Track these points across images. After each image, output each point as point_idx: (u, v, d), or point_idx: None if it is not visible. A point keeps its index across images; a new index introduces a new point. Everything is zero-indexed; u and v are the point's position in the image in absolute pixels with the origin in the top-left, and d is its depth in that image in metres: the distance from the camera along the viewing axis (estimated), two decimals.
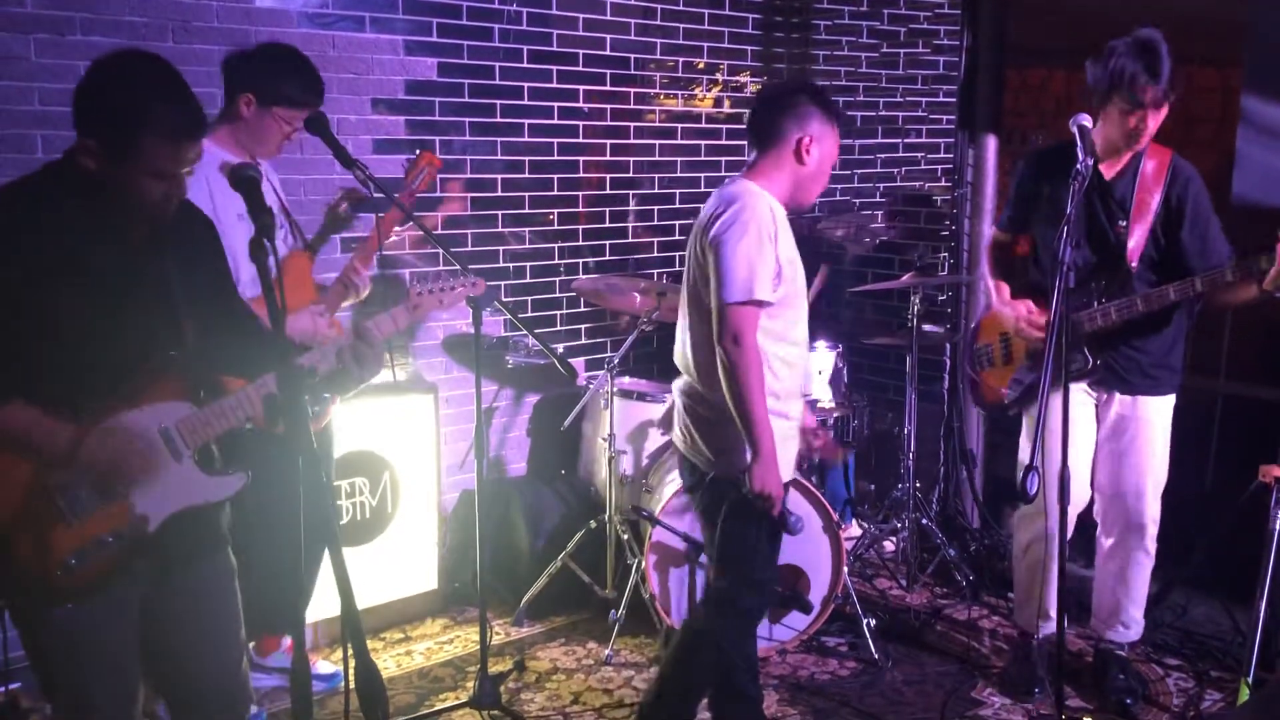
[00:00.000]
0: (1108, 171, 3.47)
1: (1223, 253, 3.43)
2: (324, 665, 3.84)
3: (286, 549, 3.22)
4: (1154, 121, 3.31)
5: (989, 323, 3.89)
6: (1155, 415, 3.57)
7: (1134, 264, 3.46)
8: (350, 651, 1.82)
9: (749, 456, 2.89)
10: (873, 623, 4.11)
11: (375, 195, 3.47)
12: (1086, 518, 3.74)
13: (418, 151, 3.77)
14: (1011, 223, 3.78)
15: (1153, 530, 3.61)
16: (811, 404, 4.26)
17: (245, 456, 2.43)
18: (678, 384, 3.17)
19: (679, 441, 3.16)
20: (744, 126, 3.12)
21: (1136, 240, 3.45)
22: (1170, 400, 3.61)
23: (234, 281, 2.58)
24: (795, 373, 3.05)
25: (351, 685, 1.80)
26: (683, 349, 3.12)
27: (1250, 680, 3.49)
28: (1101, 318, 3.44)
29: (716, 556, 3.11)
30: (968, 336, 3.99)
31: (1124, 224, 3.45)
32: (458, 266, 3.20)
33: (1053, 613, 3.75)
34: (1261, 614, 3.53)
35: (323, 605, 3.81)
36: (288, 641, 3.68)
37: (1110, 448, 3.61)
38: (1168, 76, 3.24)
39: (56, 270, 2.12)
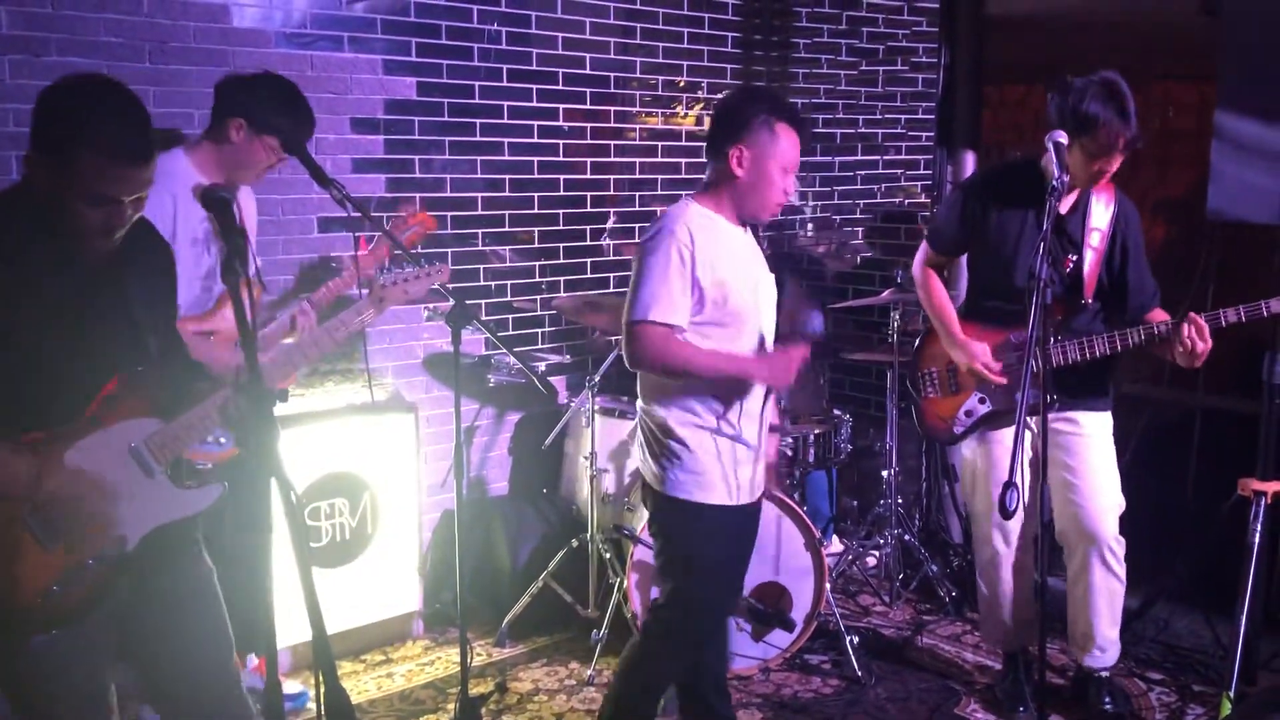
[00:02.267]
0: (1061, 206, 3.44)
1: (1152, 286, 3.54)
2: (289, 685, 3.83)
3: (255, 566, 3.19)
4: (1118, 163, 3.33)
5: (937, 348, 3.75)
6: (1097, 430, 3.56)
7: (1089, 299, 3.49)
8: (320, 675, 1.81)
9: (742, 382, 2.88)
10: (856, 640, 4.10)
11: (352, 214, 3.45)
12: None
13: (412, 210, 3.77)
14: (955, 245, 3.71)
15: (1119, 550, 3.56)
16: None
17: (219, 470, 2.43)
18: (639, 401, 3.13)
19: (637, 458, 3.12)
20: None
21: (1090, 275, 3.48)
22: (1109, 418, 3.60)
23: (176, 307, 2.54)
24: (735, 391, 2.94)
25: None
26: None
27: (1232, 694, 3.49)
28: (1062, 356, 3.43)
29: (662, 574, 3.08)
30: (911, 359, 3.88)
31: (1074, 258, 3.47)
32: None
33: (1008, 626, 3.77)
34: (1242, 627, 3.55)
35: (293, 629, 3.77)
36: (254, 661, 3.66)
37: (1058, 470, 3.55)
38: (1135, 120, 3.25)
39: (13, 296, 2.10)
